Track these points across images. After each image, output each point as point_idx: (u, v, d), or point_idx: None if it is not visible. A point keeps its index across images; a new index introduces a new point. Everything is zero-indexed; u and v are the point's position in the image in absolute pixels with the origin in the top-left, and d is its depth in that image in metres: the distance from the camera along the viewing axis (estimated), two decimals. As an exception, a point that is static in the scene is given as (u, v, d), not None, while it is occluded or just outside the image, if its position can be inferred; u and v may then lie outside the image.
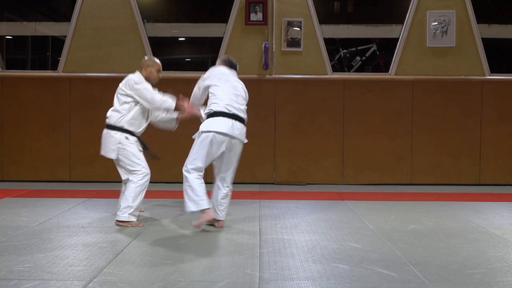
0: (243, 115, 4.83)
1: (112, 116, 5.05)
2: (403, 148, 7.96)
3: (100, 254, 3.98)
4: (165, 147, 7.38)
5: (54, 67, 8.09)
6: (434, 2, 7.91)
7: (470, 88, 7.96)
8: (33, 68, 9.66)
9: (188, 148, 4.85)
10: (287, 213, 5.69)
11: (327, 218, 5.41)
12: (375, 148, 7.96)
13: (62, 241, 4.36)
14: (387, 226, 5.09)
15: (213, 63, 5.41)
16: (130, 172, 4.98)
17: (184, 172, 4.69)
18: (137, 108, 5.05)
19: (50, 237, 4.50)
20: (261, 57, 7.85)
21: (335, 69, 8.55)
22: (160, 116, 5.32)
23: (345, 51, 8.98)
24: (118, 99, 5.07)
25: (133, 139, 5.03)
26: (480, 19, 7.98)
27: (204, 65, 8.88)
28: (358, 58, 8.88)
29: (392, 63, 8.03)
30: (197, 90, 4.99)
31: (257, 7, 7.78)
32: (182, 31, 8.98)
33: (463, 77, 7.94)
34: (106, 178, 7.65)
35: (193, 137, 4.82)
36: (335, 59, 8.93)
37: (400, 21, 8.07)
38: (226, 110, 4.70)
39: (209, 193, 4.78)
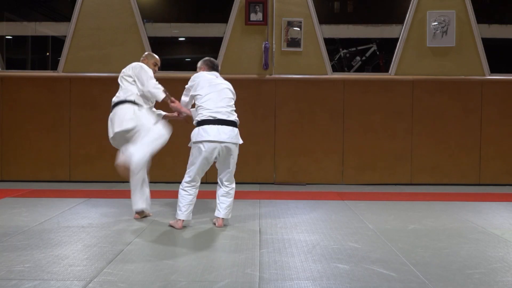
0: (232, 117, 4.89)
1: (120, 95, 5.22)
2: (403, 148, 7.96)
3: (100, 254, 3.98)
4: (166, 147, 7.32)
5: (54, 67, 8.09)
6: (434, 2, 7.91)
7: (470, 88, 7.96)
8: (33, 68, 9.68)
9: (189, 148, 4.93)
10: (287, 213, 5.69)
11: (327, 218, 5.42)
12: (375, 148, 7.96)
13: (62, 241, 4.36)
14: (387, 226, 5.09)
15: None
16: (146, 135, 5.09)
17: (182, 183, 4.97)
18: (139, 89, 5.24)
19: (50, 237, 4.50)
20: (261, 57, 7.85)
21: (335, 69, 8.56)
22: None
23: (345, 51, 8.98)
24: (122, 83, 5.26)
25: (145, 107, 5.22)
26: (480, 19, 7.98)
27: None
28: (358, 58, 8.89)
29: (392, 63, 8.03)
30: (185, 98, 5.15)
31: (257, 7, 7.78)
32: (182, 31, 8.98)
33: (463, 77, 7.93)
34: (106, 178, 7.66)
35: (189, 145, 4.94)
36: (335, 59, 8.94)
37: (400, 21, 8.07)
38: (211, 118, 4.81)
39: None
